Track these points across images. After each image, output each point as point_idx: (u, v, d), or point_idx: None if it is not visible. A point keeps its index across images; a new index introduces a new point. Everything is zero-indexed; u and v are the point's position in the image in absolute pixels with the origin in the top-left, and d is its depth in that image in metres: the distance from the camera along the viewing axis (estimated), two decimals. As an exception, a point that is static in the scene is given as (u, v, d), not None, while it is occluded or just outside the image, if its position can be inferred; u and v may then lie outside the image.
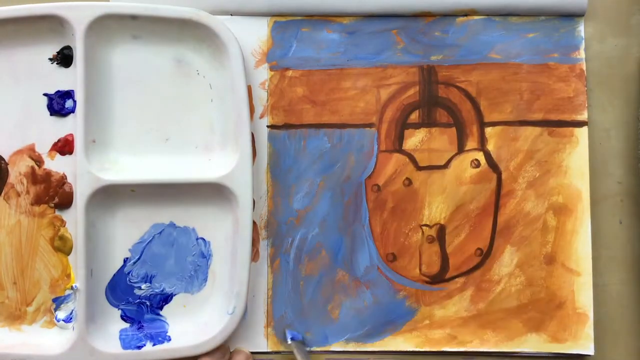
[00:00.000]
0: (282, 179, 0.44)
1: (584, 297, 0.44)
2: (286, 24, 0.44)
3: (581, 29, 0.44)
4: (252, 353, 0.44)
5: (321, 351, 0.44)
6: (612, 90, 0.45)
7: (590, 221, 0.44)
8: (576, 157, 0.44)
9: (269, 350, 0.44)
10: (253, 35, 0.44)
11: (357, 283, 0.44)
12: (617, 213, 0.45)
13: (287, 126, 0.44)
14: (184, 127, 0.43)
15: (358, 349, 0.44)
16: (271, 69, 0.44)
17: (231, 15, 0.44)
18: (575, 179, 0.44)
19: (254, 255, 0.44)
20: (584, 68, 0.44)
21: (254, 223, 0.44)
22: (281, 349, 0.44)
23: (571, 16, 0.44)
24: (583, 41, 0.44)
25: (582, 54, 0.44)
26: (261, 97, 0.44)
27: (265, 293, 0.44)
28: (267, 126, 0.44)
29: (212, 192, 0.42)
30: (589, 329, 0.43)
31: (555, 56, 0.44)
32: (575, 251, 0.44)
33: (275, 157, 0.44)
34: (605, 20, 0.45)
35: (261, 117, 0.44)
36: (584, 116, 0.44)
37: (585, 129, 0.44)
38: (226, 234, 0.43)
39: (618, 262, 0.44)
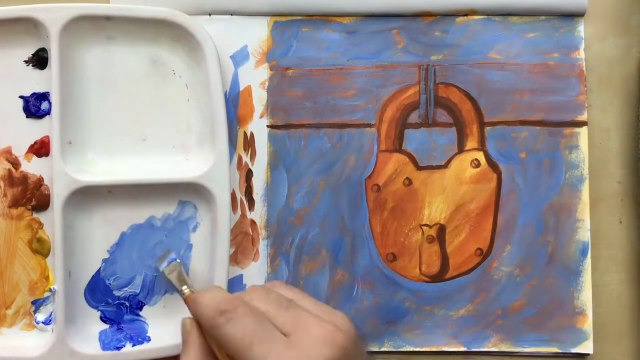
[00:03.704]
0: (282, 179, 0.44)
1: (583, 297, 0.44)
2: (286, 23, 0.44)
3: (581, 29, 0.44)
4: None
5: (321, 351, 0.44)
6: (612, 90, 0.45)
7: (590, 221, 0.44)
8: (576, 157, 0.44)
9: (269, 350, 0.44)
10: (253, 35, 0.44)
11: (357, 283, 0.44)
12: (617, 213, 0.45)
13: (287, 126, 0.44)
14: (161, 127, 0.43)
15: (358, 349, 0.44)
16: (271, 68, 0.44)
17: (231, 15, 0.44)
18: (575, 179, 0.44)
19: (254, 255, 0.44)
20: (584, 68, 0.44)
21: (254, 222, 0.44)
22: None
23: (571, 16, 0.44)
24: (583, 41, 0.44)
25: (582, 54, 0.44)
26: (261, 97, 0.44)
27: (265, 293, 0.44)
28: (267, 126, 0.44)
29: (190, 192, 0.43)
30: (588, 329, 0.44)
31: (555, 56, 0.44)
32: (575, 251, 0.44)
33: (275, 157, 0.44)
34: (605, 20, 0.45)
35: (261, 117, 0.44)
36: (584, 116, 0.44)
37: (585, 129, 0.44)
38: (205, 234, 0.43)
39: (618, 262, 0.45)
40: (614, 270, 0.45)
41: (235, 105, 0.44)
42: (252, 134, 0.44)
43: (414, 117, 0.44)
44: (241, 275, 0.44)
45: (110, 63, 0.43)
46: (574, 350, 0.44)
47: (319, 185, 0.44)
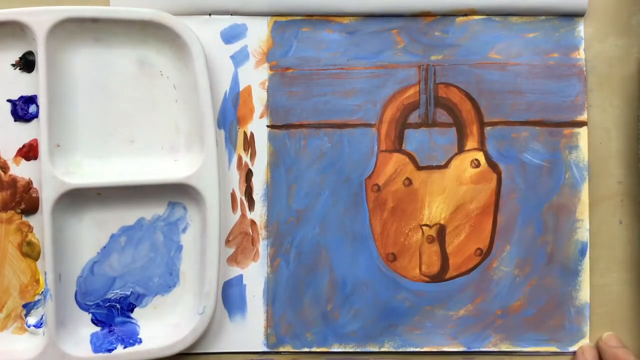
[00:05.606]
0: (282, 179, 0.44)
1: (582, 296, 0.44)
2: (286, 24, 0.44)
3: (581, 29, 0.44)
4: (252, 353, 0.44)
5: (321, 352, 0.44)
6: (612, 90, 0.45)
7: (590, 221, 0.44)
8: (576, 157, 0.44)
9: (269, 350, 0.44)
10: (253, 35, 0.44)
11: (357, 283, 0.44)
12: (617, 213, 0.45)
13: (287, 126, 0.44)
14: (149, 129, 0.43)
15: (358, 350, 0.44)
16: (271, 68, 0.44)
17: (231, 15, 0.44)
18: (575, 179, 0.44)
19: (254, 255, 0.44)
20: (584, 68, 0.44)
21: (254, 223, 0.44)
22: (281, 349, 0.44)
23: (571, 16, 0.44)
24: (583, 41, 0.44)
25: (582, 54, 0.44)
26: (261, 97, 0.44)
27: (266, 293, 0.44)
28: (267, 126, 0.44)
29: (180, 193, 0.43)
30: (588, 329, 0.44)
31: (555, 56, 0.44)
32: (575, 251, 0.44)
33: (275, 157, 0.44)
34: (605, 20, 0.45)
35: (261, 117, 0.44)
36: (584, 116, 0.44)
37: (585, 129, 0.44)
38: (195, 234, 0.43)
39: (618, 262, 0.45)
40: (613, 270, 0.45)
41: (235, 105, 0.44)
42: (252, 134, 0.44)
43: (414, 117, 0.44)
44: (241, 276, 0.44)
45: (98, 65, 0.43)
46: (573, 350, 0.44)
47: (319, 185, 0.44)
